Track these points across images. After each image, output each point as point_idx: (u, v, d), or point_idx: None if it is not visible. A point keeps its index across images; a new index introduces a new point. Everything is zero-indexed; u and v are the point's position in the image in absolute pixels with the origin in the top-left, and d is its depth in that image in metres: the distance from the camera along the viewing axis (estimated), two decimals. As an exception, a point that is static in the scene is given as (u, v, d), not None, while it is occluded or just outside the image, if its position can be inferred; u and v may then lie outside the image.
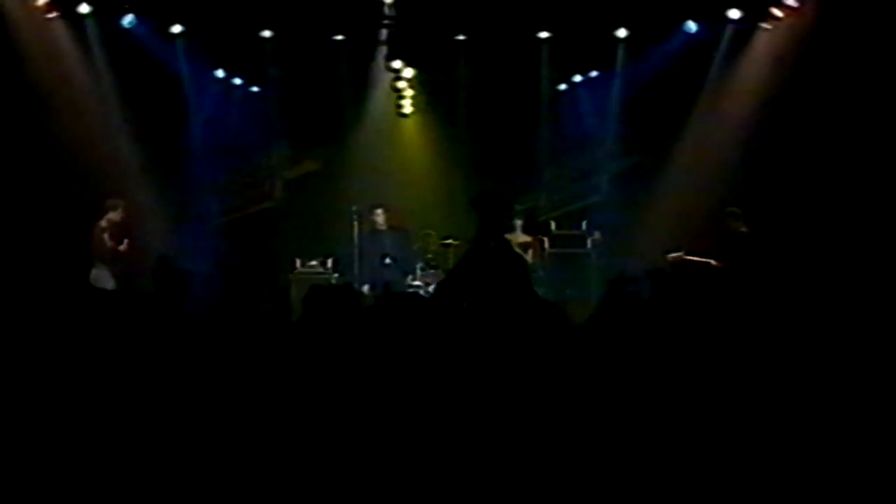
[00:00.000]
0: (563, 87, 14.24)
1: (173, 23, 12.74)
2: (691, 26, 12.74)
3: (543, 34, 13.37)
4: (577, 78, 14.14)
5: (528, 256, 12.47)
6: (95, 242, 10.95)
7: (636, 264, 11.79)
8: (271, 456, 3.69)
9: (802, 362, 4.34)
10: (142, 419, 3.88)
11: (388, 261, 12.50)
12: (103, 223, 11.02)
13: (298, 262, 12.98)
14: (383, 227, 12.61)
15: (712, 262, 11.01)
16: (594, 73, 14.01)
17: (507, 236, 12.49)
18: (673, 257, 11.06)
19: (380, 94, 14.15)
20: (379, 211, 12.60)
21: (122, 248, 11.03)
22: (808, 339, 4.71)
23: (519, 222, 12.62)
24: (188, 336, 5.04)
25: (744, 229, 11.05)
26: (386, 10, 12.90)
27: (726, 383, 4.09)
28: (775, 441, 3.69)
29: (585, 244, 13.21)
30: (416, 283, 12.47)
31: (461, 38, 13.47)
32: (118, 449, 3.73)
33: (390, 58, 13.53)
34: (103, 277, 10.82)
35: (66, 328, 4.65)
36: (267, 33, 13.18)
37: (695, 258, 11.04)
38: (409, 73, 13.62)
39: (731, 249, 10.98)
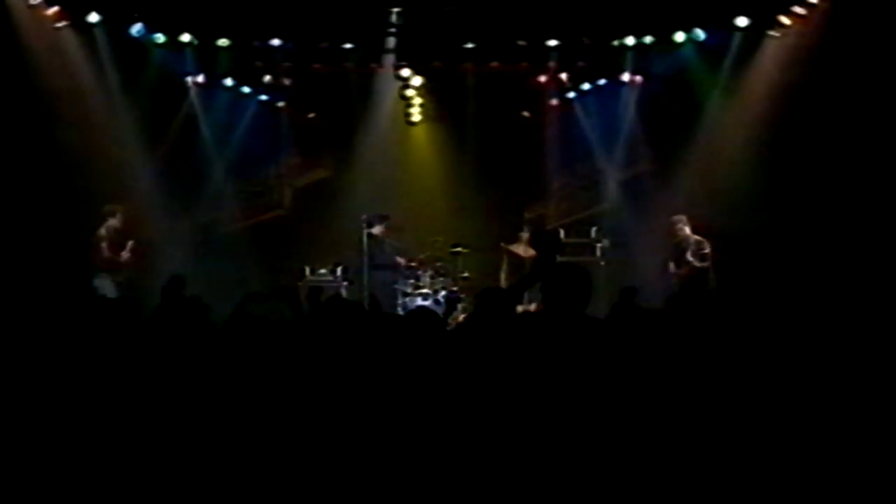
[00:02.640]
0: (571, 94, 14.23)
1: (182, 32, 12.78)
2: (699, 34, 12.72)
3: (552, 42, 13.37)
4: (586, 86, 14.13)
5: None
6: (94, 251, 10.94)
7: (645, 271, 11.89)
8: (278, 461, 3.69)
9: (803, 366, 4.34)
10: (148, 425, 3.89)
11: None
12: (102, 231, 11.01)
13: (308, 271, 12.99)
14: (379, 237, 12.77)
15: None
16: (602, 81, 13.99)
17: (511, 246, 12.71)
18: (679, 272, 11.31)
19: (388, 102, 14.16)
20: (386, 223, 12.73)
21: (123, 255, 11.04)
22: (809, 344, 4.71)
23: (525, 235, 12.70)
24: (197, 344, 5.04)
25: (689, 234, 11.43)
26: (394, 19, 12.93)
27: (729, 387, 4.08)
28: (780, 443, 3.69)
29: (594, 252, 13.18)
30: (426, 290, 12.48)
31: (469, 46, 13.47)
32: (124, 455, 3.73)
33: (399, 66, 13.57)
34: (105, 287, 10.80)
35: (68, 335, 4.65)
36: (276, 42, 13.20)
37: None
38: (417, 81, 13.67)
39: (683, 255, 11.37)
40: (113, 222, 11.10)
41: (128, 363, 4.42)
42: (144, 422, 3.93)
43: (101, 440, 3.82)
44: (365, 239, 12.54)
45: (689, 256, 11.39)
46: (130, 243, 11.13)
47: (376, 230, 12.62)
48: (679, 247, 11.49)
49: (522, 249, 12.68)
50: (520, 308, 9.28)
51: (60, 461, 3.75)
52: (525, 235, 12.74)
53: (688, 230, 11.49)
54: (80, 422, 3.90)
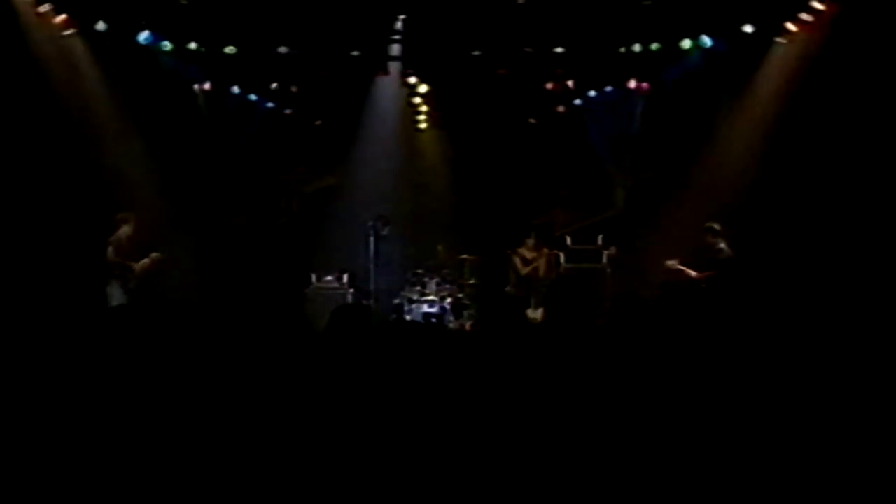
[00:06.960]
0: (578, 101, 14.24)
1: (189, 39, 12.82)
2: (706, 41, 12.72)
3: (559, 49, 13.37)
4: (592, 93, 14.13)
5: (541, 268, 12.65)
6: (108, 257, 10.93)
7: (652, 278, 11.86)
8: (284, 465, 3.69)
9: (803, 371, 4.33)
10: (152, 430, 3.89)
11: None
12: (114, 238, 10.98)
13: (314, 277, 13.00)
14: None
15: (693, 273, 11.00)
16: (609, 88, 14.00)
17: (518, 251, 12.78)
18: (670, 265, 11.10)
19: (395, 109, 14.20)
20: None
21: (143, 262, 10.93)
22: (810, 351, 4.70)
23: (531, 240, 12.80)
24: (204, 349, 5.05)
25: (721, 245, 11.02)
26: (400, 26, 12.97)
27: (728, 390, 4.08)
28: (779, 447, 3.69)
29: (601, 259, 13.18)
30: (432, 297, 12.51)
31: (476, 52, 13.48)
32: (128, 462, 3.74)
33: (405, 73, 13.61)
34: (115, 293, 10.79)
35: (77, 342, 4.66)
36: (282, 49, 13.23)
37: (686, 269, 11.04)
38: (423, 88, 13.70)
39: (709, 264, 11.00)
40: (126, 229, 11.02)
41: (136, 368, 4.43)
42: (153, 426, 3.94)
43: (105, 444, 3.83)
44: (371, 246, 12.58)
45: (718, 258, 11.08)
46: (154, 255, 11.06)
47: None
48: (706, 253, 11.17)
49: (528, 252, 12.80)
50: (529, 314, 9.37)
51: (65, 468, 3.75)
52: (531, 241, 12.84)
53: (715, 241, 11.15)
54: (87, 427, 3.91)
